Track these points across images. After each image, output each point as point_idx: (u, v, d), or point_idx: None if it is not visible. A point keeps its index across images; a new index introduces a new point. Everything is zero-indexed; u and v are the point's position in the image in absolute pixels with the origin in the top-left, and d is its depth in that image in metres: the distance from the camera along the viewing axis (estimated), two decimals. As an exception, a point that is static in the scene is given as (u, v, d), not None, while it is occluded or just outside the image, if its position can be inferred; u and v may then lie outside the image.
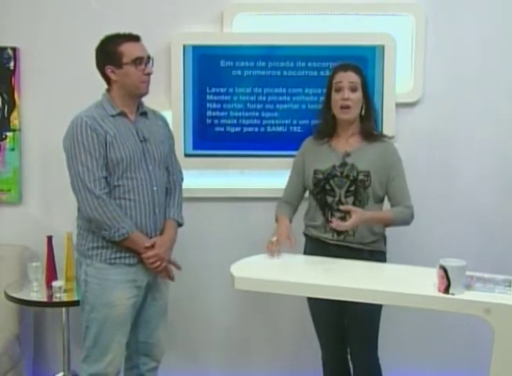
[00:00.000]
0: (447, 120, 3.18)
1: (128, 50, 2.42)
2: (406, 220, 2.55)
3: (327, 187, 2.56)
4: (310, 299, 2.66)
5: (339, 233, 2.53)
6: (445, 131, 3.19)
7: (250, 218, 3.24)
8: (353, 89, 2.52)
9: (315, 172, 2.58)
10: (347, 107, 2.52)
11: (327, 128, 2.62)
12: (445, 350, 3.27)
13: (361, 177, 2.52)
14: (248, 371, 3.35)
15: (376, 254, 2.55)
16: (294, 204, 2.70)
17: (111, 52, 2.43)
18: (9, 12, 3.11)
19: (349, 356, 2.70)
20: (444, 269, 1.96)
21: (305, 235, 2.68)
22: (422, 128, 3.14)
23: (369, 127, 2.59)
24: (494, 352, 1.93)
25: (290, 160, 3.11)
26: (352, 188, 2.52)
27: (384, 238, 2.63)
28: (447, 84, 3.16)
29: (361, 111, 2.58)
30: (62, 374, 3.02)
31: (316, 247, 2.61)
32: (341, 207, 2.46)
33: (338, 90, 2.53)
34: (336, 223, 2.37)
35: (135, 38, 2.45)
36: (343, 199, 2.54)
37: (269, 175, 3.19)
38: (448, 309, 2.02)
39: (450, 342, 3.26)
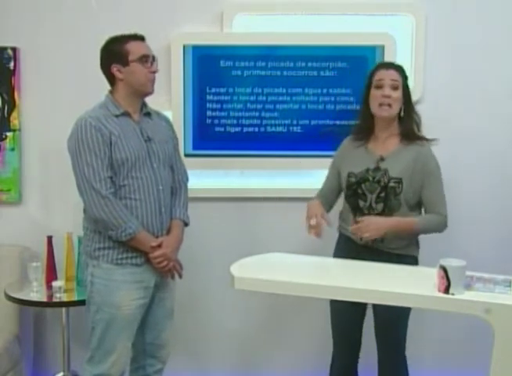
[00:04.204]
0: (447, 119, 3.18)
1: (135, 48, 2.44)
2: (435, 228, 2.52)
3: (359, 191, 2.53)
4: (333, 300, 2.61)
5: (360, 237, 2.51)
6: (445, 130, 3.18)
7: (250, 219, 3.24)
8: (394, 87, 2.50)
9: (349, 175, 2.56)
10: (388, 105, 2.49)
11: (366, 127, 2.59)
12: (444, 350, 3.27)
13: (392, 184, 2.48)
14: (252, 372, 3.35)
15: (405, 258, 2.50)
16: (328, 200, 2.67)
17: (117, 51, 2.44)
18: (9, 12, 3.11)
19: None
20: (444, 269, 1.96)
21: (339, 231, 2.68)
22: (422, 127, 3.13)
23: (409, 128, 2.55)
24: (494, 352, 1.92)
25: (290, 160, 3.13)
26: (382, 194, 2.49)
27: (416, 243, 2.59)
28: (447, 84, 3.16)
29: (400, 112, 2.54)
30: (62, 374, 3.01)
31: (347, 246, 2.60)
32: (358, 220, 2.46)
33: (379, 87, 2.50)
34: (352, 229, 2.42)
35: (140, 38, 2.48)
36: (373, 204, 2.51)
37: (269, 175, 3.19)
38: (448, 309, 2.01)
39: (450, 342, 3.26)
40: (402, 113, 2.55)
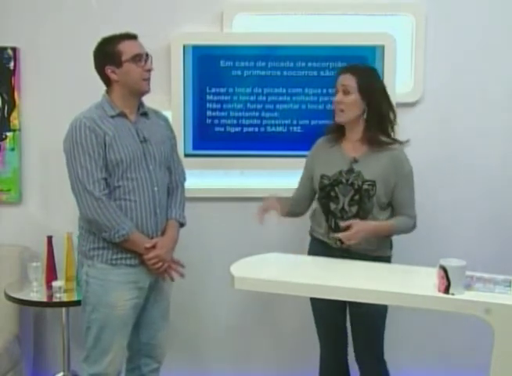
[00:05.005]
0: (447, 119, 3.18)
1: (127, 47, 2.43)
2: (407, 230, 2.55)
3: (332, 194, 2.51)
4: (312, 299, 2.64)
5: (343, 242, 2.49)
6: (445, 130, 3.19)
7: (250, 219, 3.22)
8: (345, 92, 2.46)
9: (322, 177, 2.54)
10: (341, 110, 2.48)
11: (336, 128, 2.58)
12: (444, 350, 3.27)
13: (366, 186, 2.46)
14: (249, 371, 3.35)
15: (380, 259, 2.50)
16: (301, 203, 2.68)
17: (110, 52, 2.42)
18: (9, 12, 3.11)
19: (350, 358, 2.69)
20: (444, 269, 1.96)
21: (310, 235, 2.66)
22: (422, 127, 3.13)
23: (374, 134, 2.48)
24: (494, 352, 1.93)
25: (290, 160, 3.12)
26: (356, 197, 2.47)
27: (389, 243, 2.59)
28: (447, 84, 3.16)
29: (364, 116, 2.49)
30: (62, 374, 3.01)
31: (321, 249, 2.58)
32: (341, 224, 2.43)
33: (336, 93, 2.51)
34: (342, 236, 2.40)
35: (132, 37, 2.46)
36: (346, 207, 2.49)
37: (269, 175, 3.19)
38: (448, 309, 2.02)
39: (450, 342, 3.26)
40: (366, 117, 2.49)
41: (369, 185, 2.47)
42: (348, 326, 2.65)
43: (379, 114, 2.49)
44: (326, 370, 2.74)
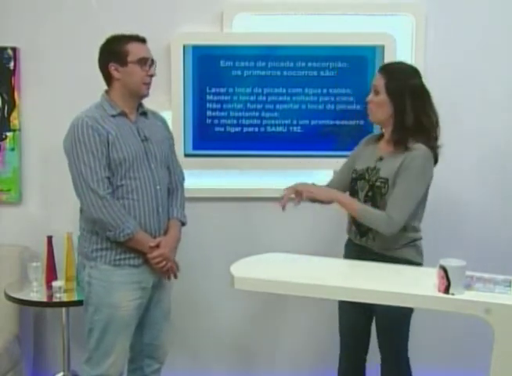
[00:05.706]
0: (448, 119, 3.17)
1: (135, 49, 2.44)
2: (374, 223, 2.39)
3: (356, 188, 2.53)
4: (340, 300, 2.58)
5: (361, 235, 2.50)
6: (445, 131, 3.18)
7: (250, 219, 3.24)
8: (375, 92, 2.44)
9: (353, 172, 2.57)
10: (370, 110, 2.48)
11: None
12: (444, 350, 3.27)
13: (378, 183, 2.44)
14: (250, 371, 3.35)
15: (402, 262, 2.40)
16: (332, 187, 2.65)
17: (117, 50, 2.43)
18: (9, 12, 3.11)
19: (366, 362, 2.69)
20: (444, 269, 1.96)
21: None
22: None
23: (400, 136, 2.41)
24: (494, 352, 1.92)
25: (290, 160, 3.12)
26: (370, 193, 2.47)
27: (414, 246, 2.48)
28: (447, 85, 3.16)
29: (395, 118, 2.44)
30: (62, 374, 3.01)
31: (347, 247, 2.63)
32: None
33: (370, 91, 2.50)
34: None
35: (142, 40, 2.48)
36: (362, 202, 2.49)
37: (269, 175, 3.19)
38: (448, 309, 2.01)
39: (449, 342, 3.27)
40: (393, 120, 2.43)
41: (381, 182, 2.44)
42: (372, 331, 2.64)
43: (406, 117, 2.41)
44: (343, 372, 2.71)
